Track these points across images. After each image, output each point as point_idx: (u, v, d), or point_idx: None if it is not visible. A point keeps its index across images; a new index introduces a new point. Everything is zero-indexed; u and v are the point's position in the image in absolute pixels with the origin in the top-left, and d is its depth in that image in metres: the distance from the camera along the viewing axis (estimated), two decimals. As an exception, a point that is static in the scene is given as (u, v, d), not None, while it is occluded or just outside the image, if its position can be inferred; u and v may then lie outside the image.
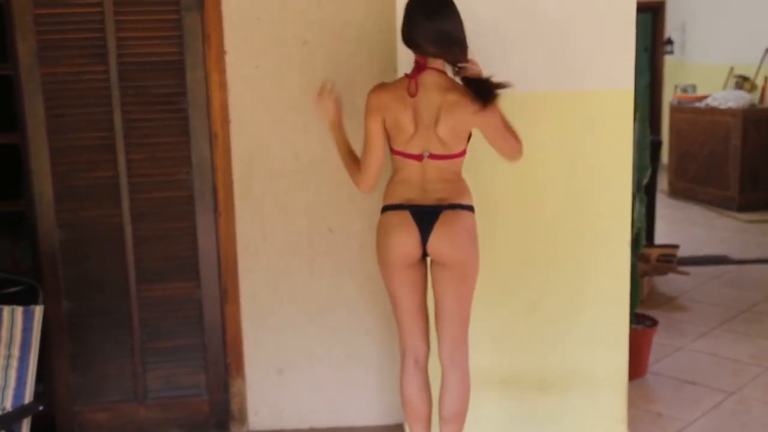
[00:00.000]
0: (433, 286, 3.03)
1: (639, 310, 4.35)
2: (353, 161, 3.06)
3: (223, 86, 3.43)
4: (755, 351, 4.66)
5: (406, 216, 2.91)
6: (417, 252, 2.93)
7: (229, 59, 3.43)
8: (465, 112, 2.84)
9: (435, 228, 2.89)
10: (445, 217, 2.91)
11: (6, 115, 3.49)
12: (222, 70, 3.42)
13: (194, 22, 3.37)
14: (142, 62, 3.38)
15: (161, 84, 3.41)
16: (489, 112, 2.85)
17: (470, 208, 2.96)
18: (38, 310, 3.01)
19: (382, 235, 2.97)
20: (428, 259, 3.01)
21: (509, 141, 2.95)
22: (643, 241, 4.45)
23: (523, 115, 3.32)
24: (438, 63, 2.87)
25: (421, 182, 2.91)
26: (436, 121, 2.84)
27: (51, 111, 3.39)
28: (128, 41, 3.36)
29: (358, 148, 3.42)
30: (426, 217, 2.90)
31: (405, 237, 2.91)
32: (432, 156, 2.87)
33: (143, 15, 3.35)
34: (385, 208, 2.96)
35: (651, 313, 4.65)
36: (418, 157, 2.88)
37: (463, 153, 2.93)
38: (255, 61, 3.44)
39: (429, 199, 2.91)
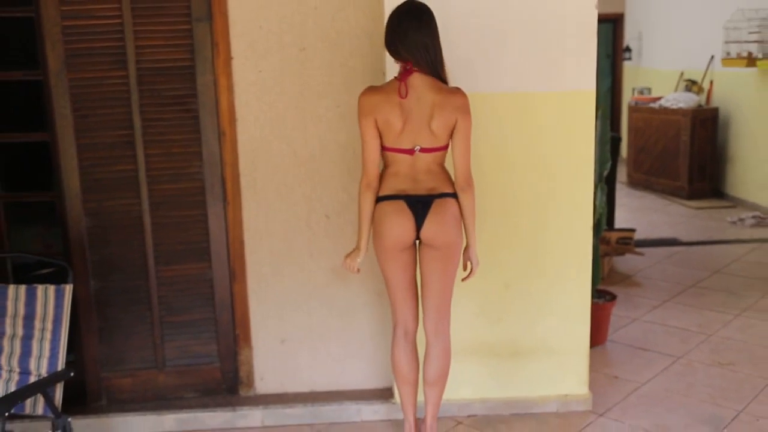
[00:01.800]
0: (422, 267, 3.03)
1: (600, 287, 4.38)
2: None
3: (230, 89, 3.41)
4: (701, 321, 4.71)
5: (401, 205, 2.90)
6: (411, 237, 2.94)
7: (235, 65, 3.41)
8: (452, 109, 2.85)
9: (429, 215, 2.90)
10: (437, 205, 2.92)
11: (37, 115, 3.47)
12: (229, 75, 3.40)
13: (204, 32, 3.35)
14: (157, 68, 3.36)
15: (175, 87, 3.39)
16: (467, 113, 2.88)
17: (455, 196, 2.96)
18: (68, 289, 3.01)
19: (379, 223, 2.94)
20: (417, 242, 3.02)
21: (468, 157, 2.93)
22: (604, 226, 4.46)
23: (499, 113, 3.35)
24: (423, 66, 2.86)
25: (412, 174, 2.91)
26: (431, 117, 2.84)
27: (77, 112, 3.37)
28: (145, 49, 3.34)
29: (350, 141, 3.43)
30: (420, 206, 2.90)
31: (402, 224, 2.91)
32: (423, 150, 2.88)
33: (159, 26, 3.33)
34: (380, 199, 2.94)
35: (610, 288, 4.71)
36: (410, 152, 2.88)
37: (447, 146, 2.93)
38: (258, 67, 3.41)
39: (421, 189, 2.91)
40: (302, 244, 3.57)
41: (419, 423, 3.21)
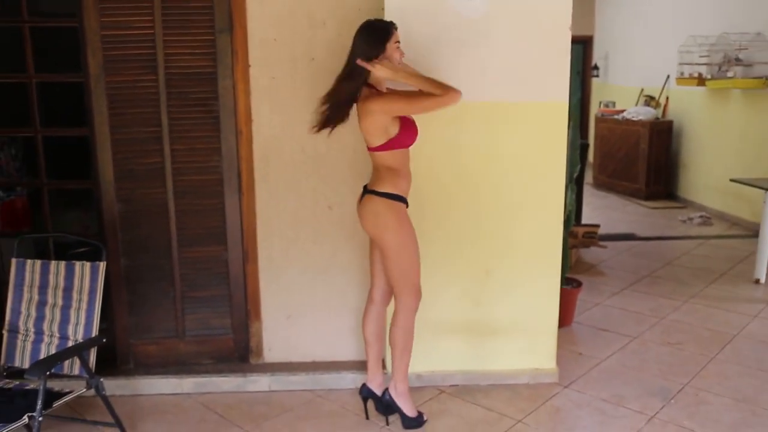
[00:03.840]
0: None
1: (568, 275, 4.37)
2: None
3: (247, 93, 3.41)
4: (654, 306, 4.74)
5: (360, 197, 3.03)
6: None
7: (252, 72, 3.40)
8: (364, 113, 2.85)
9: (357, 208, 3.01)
10: (362, 200, 2.98)
11: (78, 113, 3.47)
12: (246, 80, 3.40)
13: (225, 42, 3.35)
14: (184, 73, 3.36)
15: (198, 90, 3.38)
16: (364, 106, 2.84)
17: (383, 195, 2.90)
18: (102, 266, 3.01)
19: None
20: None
21: (418, 100, 2.80)
22: (573, 221, 4.47)
23: (484, 119, 3.35)
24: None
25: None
26: (359, 122, 2.90)
27: (113, 111, 3.37)
28: (174, 56, 3.33)
29: (351, 141, 3.42)
30: (361, 199, 3.00)
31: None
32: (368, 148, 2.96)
33: (186, 36, 3.32)
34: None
35: (577, 276, 4.71)
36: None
37: (379, 148, 2.89)
38: (272, 74, 3.41)
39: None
40: (308, 231, 3.57)
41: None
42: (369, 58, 2.81)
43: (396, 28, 2.89)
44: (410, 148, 2.96)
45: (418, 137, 2.97)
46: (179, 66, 3.35)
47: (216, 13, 3.31)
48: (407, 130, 2.90)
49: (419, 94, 2.82)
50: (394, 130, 2.86)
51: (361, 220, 2.99)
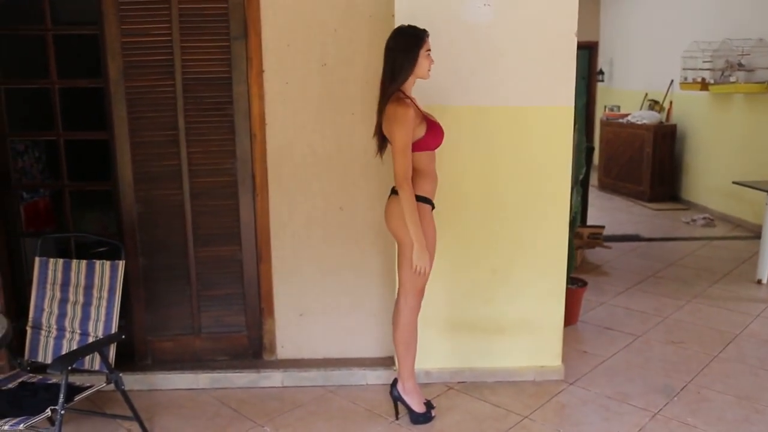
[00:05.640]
0: None
1: (573, 275, 4.36)
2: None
3: (261, 97, 3.42)
4: (657, 305, 4.72)
5: None
6: None
7: (266, 77, 3.41)
8: (384, 118, 2.86)
9: None
10: (388, 200, 2.98)
11: (99, 117, 3.49)
12: (260, 85, 3.41)
13: (240, 48, 3.36)
14: (200, 78, 3.37)
15: (214, 95, 3.39)
16: (392, 122, 2.79)
17: None
18: (121, 264, 3.04)
19: None
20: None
21: (395, 160, 2.79)
22: (578, 222, 4.45)
23: (492, 123, 3.34)
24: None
25: None
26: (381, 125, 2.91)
27: (132, 115, 3.38)
28: (190, 62, 3.35)
29: (362, 144, 3.42)
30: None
31: None
32: None
33: (202, 42, 3.34)
34: None
35: (582, 276, 4.70)
36: None
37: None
38: (285, 79, 3.42)
39: None
40: (319, 231, 3.58)
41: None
42: (402, 64, 2.82)
43: (428, 36, 2.86)
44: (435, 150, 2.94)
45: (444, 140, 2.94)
46: (196, 71, 3.36)
47: (231, 20, 3.33)
48: (433, 133, 2.88)
49: (403, 160, 2.77)
50: (420, 132, 2.84)
51: (385, 220, 2.98)
